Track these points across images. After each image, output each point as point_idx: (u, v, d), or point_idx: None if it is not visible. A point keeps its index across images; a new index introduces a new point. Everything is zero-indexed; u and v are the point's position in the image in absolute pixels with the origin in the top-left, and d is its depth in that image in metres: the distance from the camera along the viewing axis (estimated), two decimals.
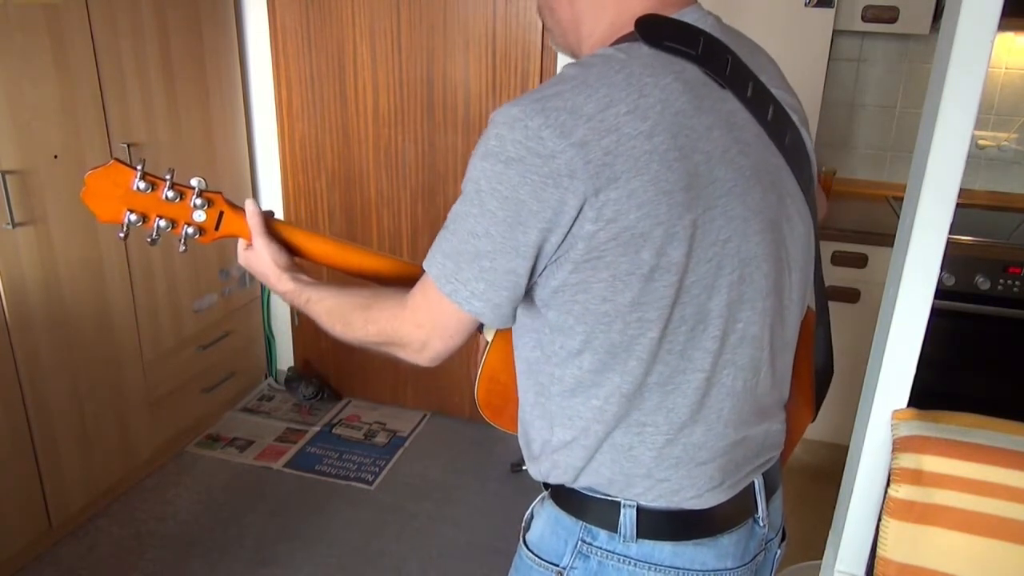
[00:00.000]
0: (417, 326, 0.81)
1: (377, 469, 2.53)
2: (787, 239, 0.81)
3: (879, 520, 1.00)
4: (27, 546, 2.02)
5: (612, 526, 0.81)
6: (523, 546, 0.91)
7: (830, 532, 1.14)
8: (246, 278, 2.81)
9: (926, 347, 0.99)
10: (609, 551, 0.82)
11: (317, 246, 1.03)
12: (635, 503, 0.80)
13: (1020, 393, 2.19)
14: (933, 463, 0.95)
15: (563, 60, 2.37)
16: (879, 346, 1.03)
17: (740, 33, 0.85)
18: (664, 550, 0.81)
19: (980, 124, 2.57)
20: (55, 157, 1.94)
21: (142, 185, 0.93)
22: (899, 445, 0.98)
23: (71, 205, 2.00)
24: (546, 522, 0.88)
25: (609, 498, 0.81)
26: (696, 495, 0.81)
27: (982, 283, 2.17)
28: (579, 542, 0.83)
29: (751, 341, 0.79)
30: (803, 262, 0.84)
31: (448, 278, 0.75)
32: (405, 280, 1.01)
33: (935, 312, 0.97)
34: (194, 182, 0.96)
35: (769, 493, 0.90)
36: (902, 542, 0.97)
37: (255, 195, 2.86)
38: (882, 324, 1.03)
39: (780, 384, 0.87)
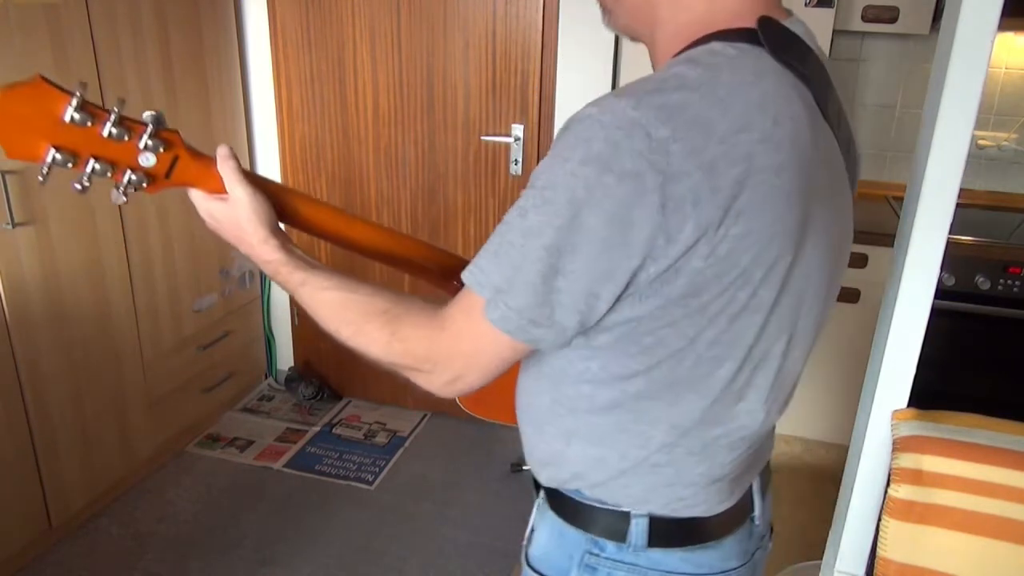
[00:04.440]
0: (456, 354, 0.69)
1: (377, 469, 2.53)
2: (836, 284, 0.78)
3: (879, 520, 1.00)
4: (27, 546, 2.02)
5: (621, 536, 0.79)
6: (526, 563, 0.87)
7: (830, 532, 1.14)
8: (246, 278, 2.81)
9: (926, 347, 0.99)
10: (618, 561, 0.79)
11: (312, 210, 0.84)
12: (647, 514, 0.78)
13: (1020, 393, 2.19)
14: (933, 463, 0.95)
15: (564, 60, 2.37)
16: (879, 346, 1.03)
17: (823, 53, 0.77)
18: (674, 557, 0.80)
19: (980, 124, 2.57)
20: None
21: (77, 117, 0.72)
22: (899, 445, 0.98)
23: (71, 205, 1.99)
24: (549, 536, 0.84)
25: (620, 509, 0.78)
26: (708, 508, 0.80)
27: (982, 283, 2.17)
28: (585, 554, 0.80)
29: (788, 377, 0.77)
30: (832, 303, 0.81)
31: (497, 302, 0.65)
32: (429, 268, 0.92)
33: (935, 312, 0.97)
34: (147, 116, 0.75)
35: (763, 491, 0.89)
36: (902, 542, 0.97)
37: None
38: (882, 324, 1.03)
39: (791, 393, 0.86)
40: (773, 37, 0.66)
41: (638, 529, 0.78)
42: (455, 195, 2.60)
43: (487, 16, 2.39)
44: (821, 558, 1.17)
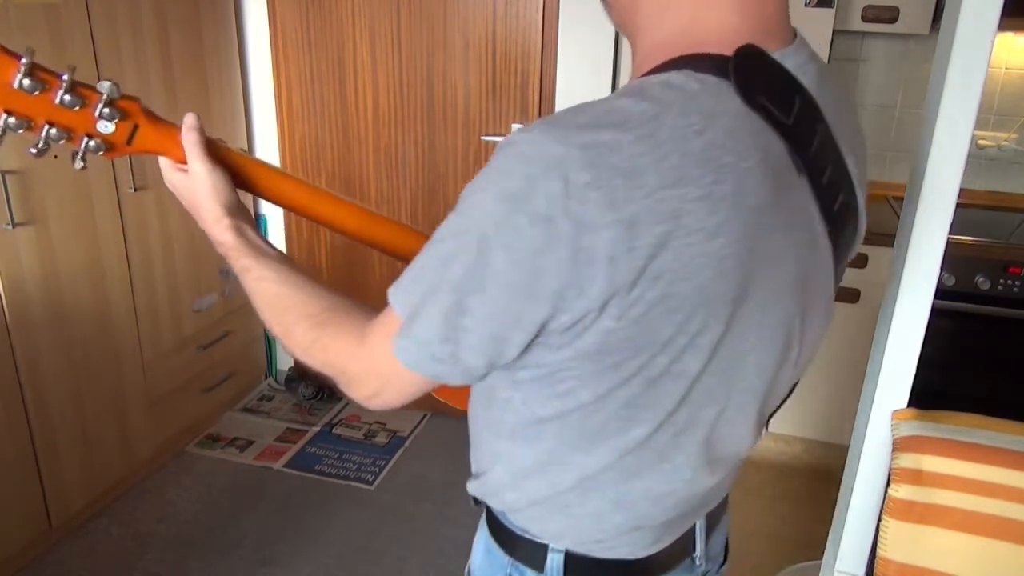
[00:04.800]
0: (372, 372, 0.67)
1: (377, 469, 2.53)
2: (803, 344, 0.70)
3: (879, 520, 1.00)
4: (27, 546, 2.02)
5: (539, 567, 0.76)
6: (467, 573, 0.87)
7: (830, 532, 1.14)
8: None
9: (926, 347, 0.99)
10: None
11: (278, 183, 0.82)
12: (563, 550, 0.75)
13: (1020, 393, 2.19)
14: (933, 463, 0.95)
15: (564, 60, 2.37)
16: (879, 346, 1.03)
17: (836, 81, 0.69)
18: None
19: (980, 124, 2.57)
20: (55, 157, 1.94)
21: (27, 83, 0.70)
22: (899, 445, 0.98)
23: (71, 205, 2.00)
24: (483, 552, 0.83)
25: (539, 540, 0.76)
26: (630, 552, 0.76)
27: (982, 283, 2.17)
28: None
29: (734, 439, 0.72)
30: (808, 358, 0.75)
31: (404, 331, 0.62)
32: (394, 245, 0.90)
33: (935, 312, 0.97)
34: (103, 86, 0.74)
35: (710, 530, 0.83)
36: (902, 542, 0.97)
37: None
38: (882, 324, 1.03)
39: (744, 455, 0.80)
40: (747, 73, 0.58)
41: (554, 564, 0.76)
42: (455, 195, 2.58)
43: (487, 16, 2.39)
44: (821, 558, 1.17)
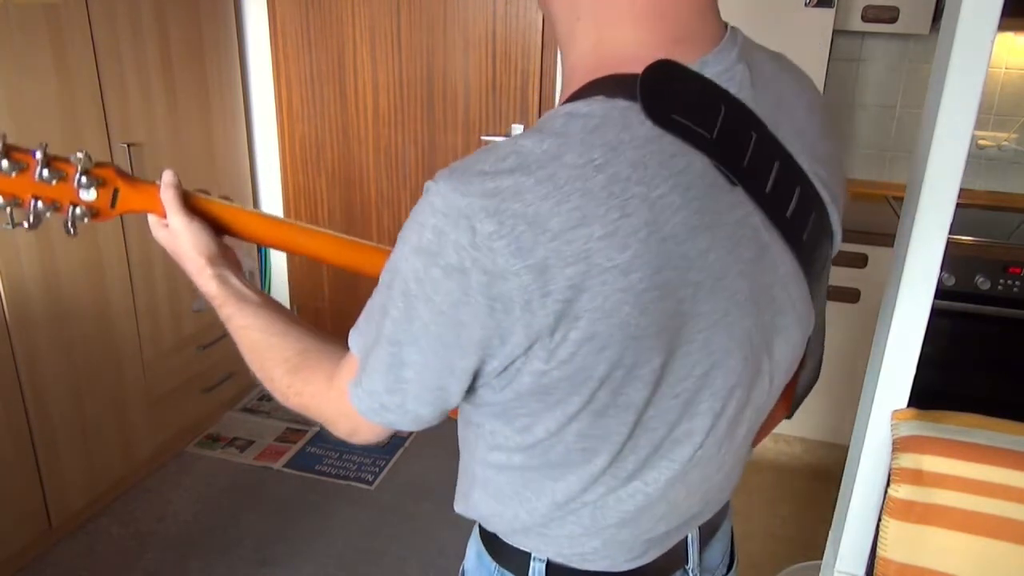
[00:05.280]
0: (341, 414, 0.68)
1: (377, 469, 2.53)
2: (776, 353, 0.68)
3: (879, 520, 1.00)
4: (27, 546, 2.02)
5: (524, 574, 0.77)
6: (461, 573, 0.88)
7: (830, 532, 1.14)
8: (246, 278, 2.80)
9: (926, 347, 0.99)
10: None
11: (250, 225, 0.86)
12: (545, 559, 0.76)
13: (1020, 393, 2.19)
14: (933, 463, 0.95)
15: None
16: (879, 346, 1.03)
17: (777, 73, 0.66)
18: None
19: (980, 124, 2.57)
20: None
21: (5, 165, 0.75)
22: (899, 445, 0.98)
23: None
24: (475, 555, 0.84)
25: (522, 549, 0.77)
26: (612, 565, 0.75)
27: (982, 283, 2.17)
28: None
29: (715, 457, 0.70)
30: (788, 366, 0.72)
31: (357, 382, 0.64)
32: (364, 266, 0.92)
33: (935, 312, 0.97)
34: (75, 158, 0.78)
35: (704, 541, 0.82)
36: (902, 542, 0.97)
37: (255, 195, 2.86)
38: (882, 324, 1.03)
39: (740, 465, 0.79)
40: (658, 91, 0.55)
41: (535, 571, 0.76)
42: None
43: (487, 16, 2.39)
44: (821, 558, 1.17)
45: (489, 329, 0.55)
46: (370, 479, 2.48)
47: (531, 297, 0.53)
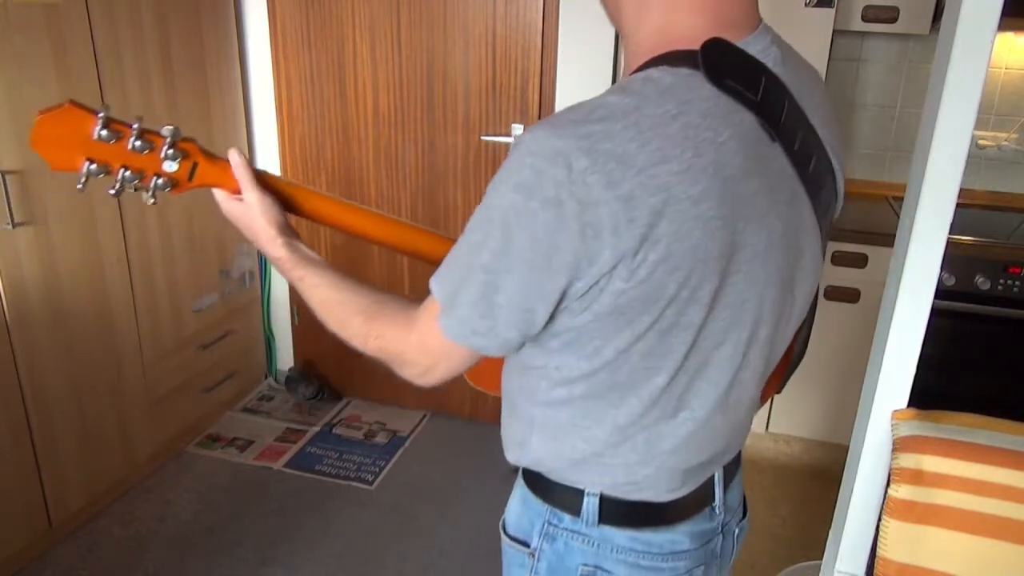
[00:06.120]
0: (423, 352, 0.77)
1: (377, 469, 2.53)
2: (796, 293, 0.81)
3: (879, 520, 1.00)
4: (27, 546, 2.02)
5: (575, 511, 0.85)
6: (502, 529, 0.94)
7: (830, 532, 1.14)
8: (246, 278, 2.81)
9: (926, 347, 0.99)
10: (574, 531, 0.86)
11: (318, 204, 0.95)
12: (599, 493, 0.84)
13: (1020, 393, 2.19)
14: (933, 463, 0.95)
15: (564, 60, 2.37)
16: (879, 346, 1.03)
17: (798, 60, 0.80)
18: (623, 535, 0.85)
19: (980, 124, 2.57)
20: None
21: (104, 134, 0.83)
22: (899, 445, 0.98)
23: (71, 205, 2.00)
24: (518, 503, 0.91)
25: (575, 487, 0.84)
26: (656, 496, 0.84)
27: (982, 283, 2.17)
28: (546, 524, 0.87)
29: (744, 385, 0.81)
30: (803, 307, 0.85)
31: (447, 311, 0.72)
32: (424, 251, 1.01)
33: (935, 312, 0.97)
34: (165, 131, 0.86)
35: (727, 481, 0.93)
36: (902, 542, 0.97)
37: None
38: (882, 324, 1.03)
39: (755, 407, 0.90)
40: (715, 61, 0.68)
41: (590, 507, 0.84)
42: (455, 195, 2.60)
43: (487, 16, 2.39)
44: (821, 558, 1.17)
45: (579, 253, 0.65)
46: (370, 479, 2.48)
47: (618, 223, 0.63)
